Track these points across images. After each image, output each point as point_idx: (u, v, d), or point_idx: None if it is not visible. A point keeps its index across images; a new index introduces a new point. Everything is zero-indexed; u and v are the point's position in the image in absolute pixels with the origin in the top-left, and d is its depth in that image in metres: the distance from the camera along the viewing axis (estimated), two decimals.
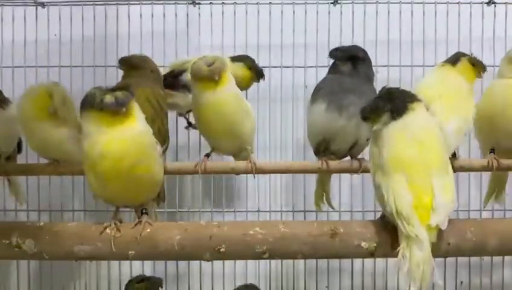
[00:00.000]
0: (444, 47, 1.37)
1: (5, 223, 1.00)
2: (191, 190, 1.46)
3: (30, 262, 1.41)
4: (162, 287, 1.24)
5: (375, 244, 0.89)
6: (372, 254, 0.89)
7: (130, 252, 0.87)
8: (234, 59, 1.30)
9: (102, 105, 0.86)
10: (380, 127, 0.90)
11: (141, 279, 1.23)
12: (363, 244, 0.88)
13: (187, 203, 1.45)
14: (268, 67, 1.40)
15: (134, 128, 0.88)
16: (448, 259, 1.33)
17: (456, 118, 1.08)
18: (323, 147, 1.16)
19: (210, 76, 1.07)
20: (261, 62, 1.39)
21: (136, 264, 1.38)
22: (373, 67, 1.22)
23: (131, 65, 1.18)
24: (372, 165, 0.91)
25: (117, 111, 0.86)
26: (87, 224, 0.92)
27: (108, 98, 0.86)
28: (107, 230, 0.89)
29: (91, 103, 0.87)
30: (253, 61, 1.31)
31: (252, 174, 1.17)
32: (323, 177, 1.25)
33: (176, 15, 1.40)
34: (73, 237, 0.88)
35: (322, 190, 1.26)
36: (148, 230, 0.89)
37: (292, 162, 1.29)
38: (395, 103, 0.90)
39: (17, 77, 1.37)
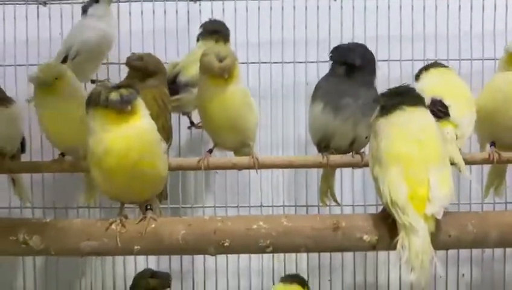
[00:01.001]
0: (444, 41, 1.37)
1: (11, 219, 1.00)
2: (194, 186, 1.47)
3: (36, 259, 1.42)
4: (171, 282, 1.25)
5: (376, 237, 0.89)
6: (374, 247, 0.90)
7: (135, 247, 0.88)
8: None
9: (107, 103, 0.87)
10: (378, 119, 0.91)
11: (151, 274, 1.24)
12: (365, 237, 0.89)
13: (190, 199, 1.45)
14: (269, 63, 1.41)
15: (139, 125, 0.89)
16: (450, 253, 1.34)
17: (468, 112, 1.11)
18: (324, 144, 1.18)
19: (221, 74, 1.08)
20: (262, 58, 1.40)
21: (141, 260, 1.39)
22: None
23: (147, 72, 1.17)
24: (371, 157, 0.93)
25: (122, 109, 0.87)
26: (92, 220, 0.93)
27: (114, 96, 0.87)
28: (113, 226, 0.90)
29: (96, 101, 0.88)
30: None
31: (255, 170, 1.18)
32: (328, 173, 1.27)
33: (176, 12, 1.40)
34: (79, 233, 0.89)
35: (327, 186, 1.28)
36: (153, 225, 0.90)
37: (294, 157, 1.30)
38: (394, 97, 0.91)
39: (19, 76, 1.38)
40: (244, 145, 1.19)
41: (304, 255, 1.41)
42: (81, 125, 0.97)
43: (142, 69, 1.17)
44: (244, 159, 1.18)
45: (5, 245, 0.88)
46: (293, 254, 1.40)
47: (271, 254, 1.35)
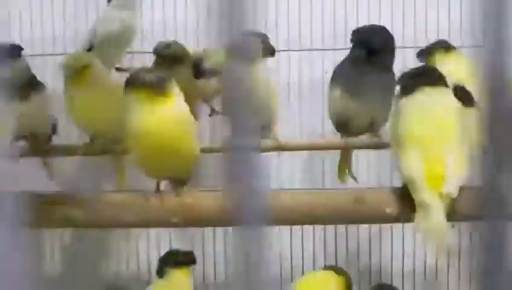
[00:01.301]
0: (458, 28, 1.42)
1: (55, 194, 1.06)
2: (213, 169, 1.51)
3: (62, 239, 1.48)
4: (196, 259, 1.32)
5: (399, 210, 0.95)
6: (397, 219, 0.95)
7: (173, 219, 0.94)
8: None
9: (143, 83, 0.93)
10: (399, 99, 0.96)
11: (178, 251, 1.31)
12: (388, 210, 0.95)
13: (211, 182, 1.50)
14: (288, 51, 1.46)
15: (174, 106, 0.95)
16: (464, 243, 1.38)
17: None
18: (342, 127, 1.23)
19: (252, 53, 1.13)
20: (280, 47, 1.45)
21: (164, 244, 1.45)
22: None
23: (175, 60, 1.23)
24: (391, 137, 0.98)
25: (157, 89, 0.93)
26: (132, 194, 0.99)
27: (149, 77, 0.93)
28: (151, 199, 0.95)
29: (133, 82, 0.93)
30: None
31: (275, 153, 1.23)
32: (346, 154, 1.32)
33: (197, 2, 1.45)
34: (119, 206, 0.95)
35: (345, 165, 1.33)
36: (190, 199, 0.96)
37: (315, 139, 1.35)
38: (415, 77, 0.96)
39: (47, 65, 1.43)
40: (265, 129, 1.24)
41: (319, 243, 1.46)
42: (109, 111, 1.02)
43: (170, 57, 1.22)
44: (265, 142, 1.23)
45: (51, 219, 0.94)
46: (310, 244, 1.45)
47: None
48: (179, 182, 1.01)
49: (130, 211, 0.94)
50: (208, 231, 1.46)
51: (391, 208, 0.94)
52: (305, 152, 1.44)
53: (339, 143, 1.22)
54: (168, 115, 0.93)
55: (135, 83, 0.93)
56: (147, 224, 0.95)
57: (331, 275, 1.29)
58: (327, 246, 1.48)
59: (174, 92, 0.96)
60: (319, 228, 1.46)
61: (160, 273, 1.31)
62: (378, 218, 0.96)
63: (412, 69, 1.00)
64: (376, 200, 0.96)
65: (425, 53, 1.27)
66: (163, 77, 0.94)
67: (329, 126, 1.31)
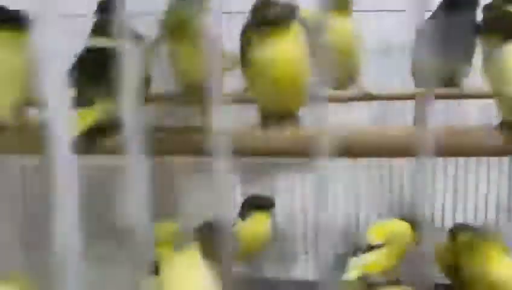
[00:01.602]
0: None
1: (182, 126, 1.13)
2: None
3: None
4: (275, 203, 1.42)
5: (498, 144, 1.00)
6: (499, 153, 1.03)
7: (286, 148, 1.01)
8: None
9: (272, 17, 0.97)
10: (496, 43, 1.01)
11: (260, 196, 1.41)
12: (489, 142, 1.00)
13: None
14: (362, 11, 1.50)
15: (296, 41, 0.99)
16: None
17: None
18: (425, 80, 1.28)
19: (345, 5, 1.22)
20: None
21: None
22: None
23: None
24: (490, 80, 1.02)
25: (284, 23, 0.97)
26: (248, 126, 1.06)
27: (273, 12, 0.97)
28: (268, 132, 1.02)
29: (256, 16, 0.99)
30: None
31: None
32: (420, 103, 1.37)
33: None
34: (243, 138, 1.02)
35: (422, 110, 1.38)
36: (300, 132, 1.03)
37: (397, 88, 1.40)
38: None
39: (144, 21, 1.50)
40: (352, 80, 1.30)
41: None
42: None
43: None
44: (349, 92, 1.29)
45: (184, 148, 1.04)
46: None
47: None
48: (290, 116, 1.05)
49: (252, 143, 1.01)
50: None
51: (491, 141, 1.00)
52: (374, 105, 1.49)
53: (420, 92, 1.28)
54: (293, 47, 0.98)
55: (264, 16, 0.97)
56: (264, 153, 1.02)
57: (402, 224, 1.36)
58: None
59: (296, 29, 1.00)
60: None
61: (243, 215, 1.41)
62: (480, 151, 1.01)
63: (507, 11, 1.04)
64: (473, 135, 1.02)
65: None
66: (286, 12, 0.98)
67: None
